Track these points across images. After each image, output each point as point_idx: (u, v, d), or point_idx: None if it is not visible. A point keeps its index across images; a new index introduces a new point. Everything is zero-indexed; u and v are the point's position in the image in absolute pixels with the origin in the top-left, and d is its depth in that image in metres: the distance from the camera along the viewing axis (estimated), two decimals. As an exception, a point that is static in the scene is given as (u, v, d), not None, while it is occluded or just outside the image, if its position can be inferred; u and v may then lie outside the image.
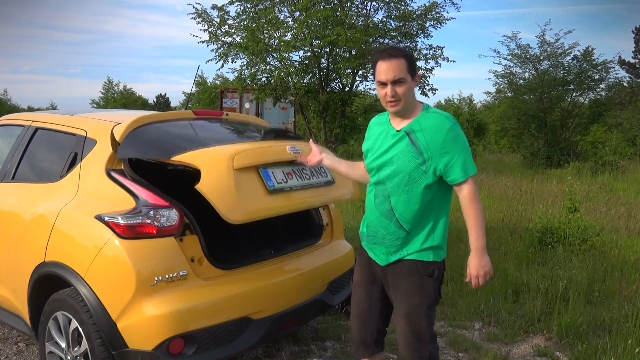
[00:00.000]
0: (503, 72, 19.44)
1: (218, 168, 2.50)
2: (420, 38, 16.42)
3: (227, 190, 2.44)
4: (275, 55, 15.74)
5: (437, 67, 16.53)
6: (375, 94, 19.24)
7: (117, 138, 2.66)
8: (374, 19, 16.20)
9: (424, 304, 2.23)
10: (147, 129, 2.79)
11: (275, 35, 15.34)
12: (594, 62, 17.95)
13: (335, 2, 15.45)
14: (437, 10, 15.77)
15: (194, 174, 2.46)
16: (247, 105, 16.61)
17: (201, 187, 2.41)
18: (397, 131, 2.23)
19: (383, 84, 2.18)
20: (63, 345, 2.67)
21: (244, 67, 16.21)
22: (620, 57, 24.75)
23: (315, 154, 2.61)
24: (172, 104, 46.22)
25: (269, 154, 2.76)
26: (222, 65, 16.64)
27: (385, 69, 2.16)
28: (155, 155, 2.66)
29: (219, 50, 16.20)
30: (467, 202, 2.17)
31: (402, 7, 15.90)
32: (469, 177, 2.16)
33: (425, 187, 2.17)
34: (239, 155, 2.55)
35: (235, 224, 2.46)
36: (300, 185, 2.82)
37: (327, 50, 15.35)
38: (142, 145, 2.67)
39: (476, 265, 2.20)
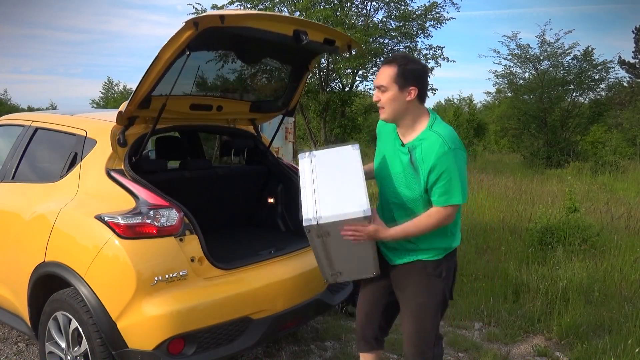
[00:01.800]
0: (503, 72, 19.48)
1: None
2: (420, 38, 16.44)
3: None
4: (275, 55, 15.73)
5: (437, 67, 16.55)
6: (375, 94, 19.25)
7: (121, 109, 2.70)
8: (374, 19, 16.21)
9: (431, 304, 2.24)
10: None
11: (275, 35, 15.33)
12: (594, 62, 17.96)
13: (335, 2, 15.46)
14: (437, 10, 15.78)
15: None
16: (247, 104, 16.57)
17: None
18: (403, 146, 2.19)
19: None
20: (63, 345, 2.67)
21: (244, 67, 16.19)
22: (620, 57, 24.78)
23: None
24: (172, 104, 46.11)
25: None
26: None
27: (378, 73, 2.18)
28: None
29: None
30: (426, 215, 2.10)
31: (402, 7, 15.90)
32: (449, 205, 2.08)
33: (425, 207, 2.15)
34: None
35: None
36: None
37: (327, 50, 15.34)
38: None
39: (376, 230, 2.07)
